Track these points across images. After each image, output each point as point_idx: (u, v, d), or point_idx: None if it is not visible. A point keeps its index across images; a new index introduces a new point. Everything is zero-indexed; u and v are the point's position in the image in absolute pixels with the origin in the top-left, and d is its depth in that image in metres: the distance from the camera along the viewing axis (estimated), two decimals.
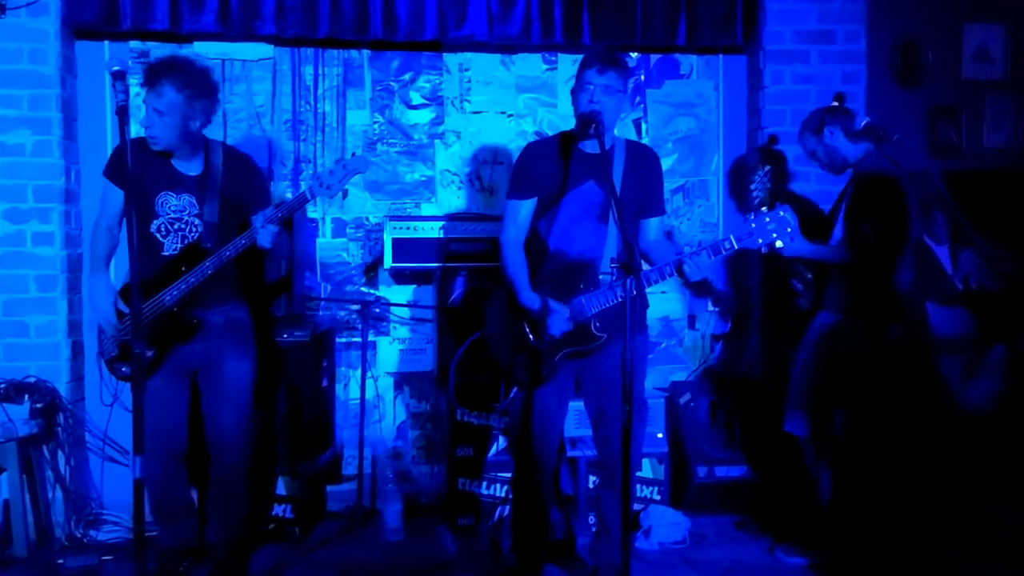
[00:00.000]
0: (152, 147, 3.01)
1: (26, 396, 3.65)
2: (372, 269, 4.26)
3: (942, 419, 3.92)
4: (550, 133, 4.33)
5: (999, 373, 4.16)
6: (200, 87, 3.01)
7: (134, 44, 4.10)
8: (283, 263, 3.82)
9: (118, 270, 3.78)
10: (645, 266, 2.89)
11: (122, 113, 2.32)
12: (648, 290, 2.85)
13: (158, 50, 4.09)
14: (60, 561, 3.49)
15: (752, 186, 3.44)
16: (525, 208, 3.00)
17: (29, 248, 3.84)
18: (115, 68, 2.34)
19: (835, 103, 3.38)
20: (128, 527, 3.82)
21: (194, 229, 3.09)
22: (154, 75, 2.91)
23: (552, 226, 2.96)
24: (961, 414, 4.05)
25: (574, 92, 2.89)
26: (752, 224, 2.69)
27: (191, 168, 3.11)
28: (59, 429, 3.81)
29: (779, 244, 2.68)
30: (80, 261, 4.02)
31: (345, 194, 2.96)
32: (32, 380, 3.73)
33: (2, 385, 3.64)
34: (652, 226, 2.99)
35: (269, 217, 2.97)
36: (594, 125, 2.73)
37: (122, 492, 3.90)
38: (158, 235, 3.08)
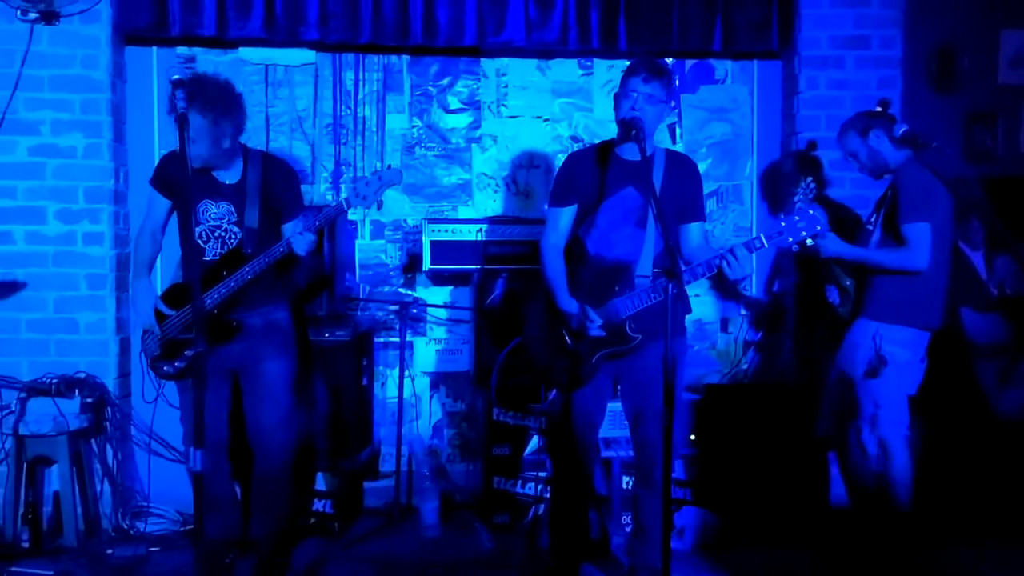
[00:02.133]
0: (192, 164, 3.08)
1: (76, 391, 3.77)
2: (411, 268, 4.34)
3: (980, 425, 3.94)
4: (586, 137, 4.42)
5: None
6: (223, 106, 3.05)
7: (181, 50, 4.21)
8: (326, 264, 3.89)
9: (163, 275, 3.92)
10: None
11: (182, 121, 2.39)
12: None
13: (204, 55, 4.22)
14: (109, 551, 3.60)
15: (796, 197, 3.46)
16: (566, 215, 3.06)
17: (80, 248, 3.96)
18: (175, 77, 2.42)
19: (879, 108, 3.40)
20: (173, 519, 3.94)
21: (233, 236, 3.19)
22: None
23: (591, 231, 3.02)
24: (996, 421, 4.05)
25: (617, 97, 2.95)
26: (782, 223, 2.73)
27: (229, 177, 3.20)
28: (107, 423, 3.92)
29: (809, 242, 2.72)
30: (128, 261, 4.13)
31: (380, 204, 3.04)
32: (82, 376, 3.85)
33: (55, 380, 3.76)
34: (694, 231, 3.04)
35: (308, 225, 3.06)
36: (635, 131, 2.78)
37: (166, 485, 4.03)
38: (199, 241, 3.18)
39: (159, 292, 3.31)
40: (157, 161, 3.37)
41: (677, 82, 4.49)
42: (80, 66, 3.93)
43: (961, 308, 4.14)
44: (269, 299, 3.25)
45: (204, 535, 3.27)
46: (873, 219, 3.45)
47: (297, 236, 3.03)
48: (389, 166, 3.17)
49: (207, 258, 3.17)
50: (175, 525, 3.92)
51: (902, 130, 3.16)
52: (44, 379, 3.77)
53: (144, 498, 4.08)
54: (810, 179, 3.49)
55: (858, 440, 3.35)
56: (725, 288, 4.50)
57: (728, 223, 4.53)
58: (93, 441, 3.89)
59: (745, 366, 4.49)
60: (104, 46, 3.94)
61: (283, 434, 3.29)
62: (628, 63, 2.99)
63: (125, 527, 3.90)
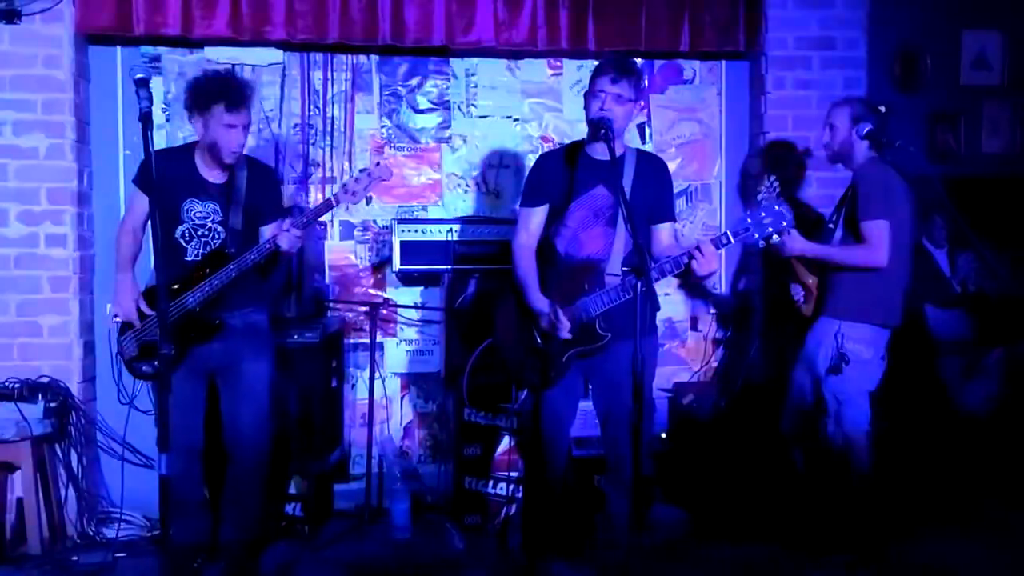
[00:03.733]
0: (234, 159, 3.14)
1: (40, 396, 3.70)
2: (380, 269, 4.32)
3: (943, 420, 4.00)
4: (555, 138, 4.42)
5: (996, 377, 4.22)
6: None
7: (145, 49, 4.16)
8: (293, 265, 3.87)
9: (141, 276, 3.86)
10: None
11: (146, 120, 2.36)
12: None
13: (169, 55, 4.17)
14: (74, 558, 3.55)
15: (760, 196, 3.48)
16: (537, 215, 3.07)
17: (42, 250, 3.90)
18: (138, 76, 2.39)
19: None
20: (140, 525, 3.88)
21: (217, 236, 3.17)
22: (245, 97, 3.11)
23: (561, 230, 3.02)
24: (959, 416, 4.12)
25: (586, 97, 2.96)
26: (748, 219, 2.74)
27: (217, 176, 3.21)
28: (71, 428, 3.85)
29: (776, 238, 2.73)
30: (92, 263, 4.08)
31: (369, 200, 3.05)
32: (46, 380, 3.78)
33: (17, 384, 3.69)
34: (664, 232, 3.05)
35: (295, 222, 3.06)
36: (604, 131, 2.79)
37: (133, 491, 3.96)
38: (181, 240, 3.16)
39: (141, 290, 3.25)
40: (139, 162, 3.32)
41: (646, 82, 4.51)
42: (42, 66, 3.86)
43: (925, 305, 4.21)
44: (249, 301, 3.25)
45: (172, 540, 3.27)
46: (835, 218, 3.49)
47: (284, 233, 3.04)
48: (378, 162, 3.21)
49: (188, 258, 3.15)
50: (143, 531, 3.87)
51: (865, 129, 3.19)
52: (6, 383, 3.69)
53: (111, 504, 4.03)
54: (773, 177, 3.52)
55: (823, 435, 3.39)
56: (694, 287, 4.53)
57: (697, 222, 4.55)
58: (57, 446, 3.82)
59: (714, 364, 4.52)
60: (66, 45, 3.88)
61: (260, 435, 3.28)
62: (597, 63, 3.00)
63: (91, 533, 3.84)
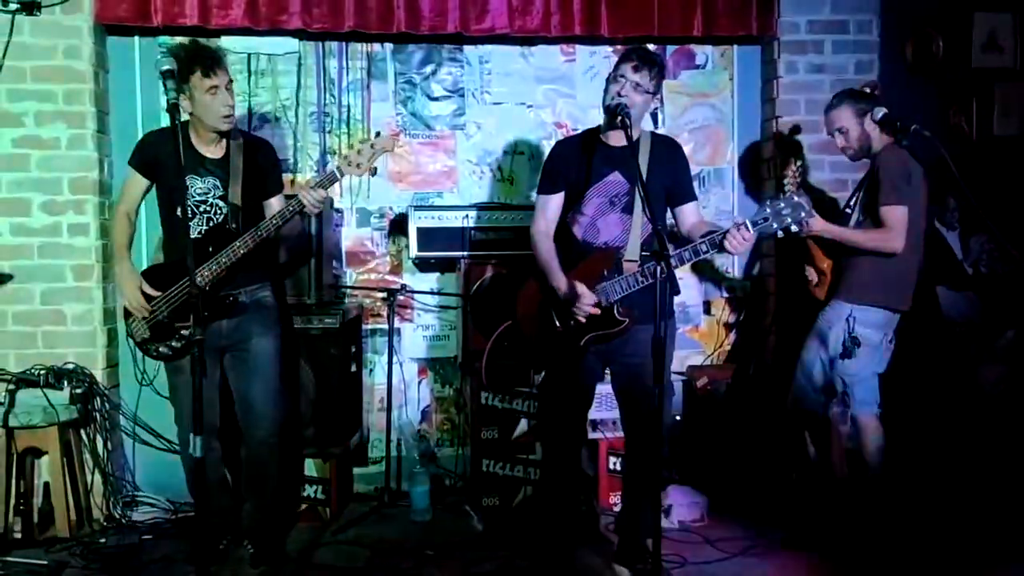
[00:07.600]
0: (230, 123, 3.15)
1: (65, 382, 3.77)
2: (396, 230, 4.37)
3: (956, 401, 4.02)
4: (569, 123, 4.45)
5: (1008, 358, 4.24)
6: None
7: (163, 39, 4.20)
8: (313, 247, 3.90)
9: (144, 255, 3.90)
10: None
11: (174, 109, 2.41)
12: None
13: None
14: (102, 540, 3.62)
15: (786, 181, 3.49)
16: (554, 202, 3.11)
17: (66, 239, 3.97)
18: (165, 67, 2.44)
19: (868, 90, 3.42)
20: (164, 508, 3.97)
21: (219, 211, 3.19)
22: (216, 58, 3.07)
23: (579, 217, 3.06)
24: (972, 397, 4.14)
25: (608, 82, 2.99)
26: (767, 210, 2.75)
27: (213, 151, 3.22)
28: (96, 414, 3.93)
29: (794, 229, 2.75)
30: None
31: (374, 172, 3.02)
32: (71, 366, 3.86)
33: (43, 371, 3.76)
34: (688, 211, 3.10)
35: (315, 183, 3.07)
36: (620, 117, 2.82)
37: (156, 474, 4.05)
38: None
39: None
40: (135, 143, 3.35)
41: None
42: (62, 56, 3.92)
43: (937, 287, 4.22)
44: (256, 277, 3.26)
45: (203, 520, 3.33)
46: (852, 202, 3.51)
47: (307, 193, 3.01)
48: (378, 133, 3.19)
49: (192, 235, 3.13)
50: (166, 513, 3.95)
51: (880, 113, 3.20)
52: (33, 370, 3.77)
53: (134, 487, 4.11)
54: (800, 163, 3.53)
55: (827, 415, 3.43)
56: (708, 271, 4.57)
57: (710, 207, 4.58)
58: (83, 431, 3.90)
59: (728, 347, 4.56)
60: (86, 36, 3.93)
61: (272, 411, 3.28)
62: (612, 49, 3.02)
63: (117, 516, 3.92)
